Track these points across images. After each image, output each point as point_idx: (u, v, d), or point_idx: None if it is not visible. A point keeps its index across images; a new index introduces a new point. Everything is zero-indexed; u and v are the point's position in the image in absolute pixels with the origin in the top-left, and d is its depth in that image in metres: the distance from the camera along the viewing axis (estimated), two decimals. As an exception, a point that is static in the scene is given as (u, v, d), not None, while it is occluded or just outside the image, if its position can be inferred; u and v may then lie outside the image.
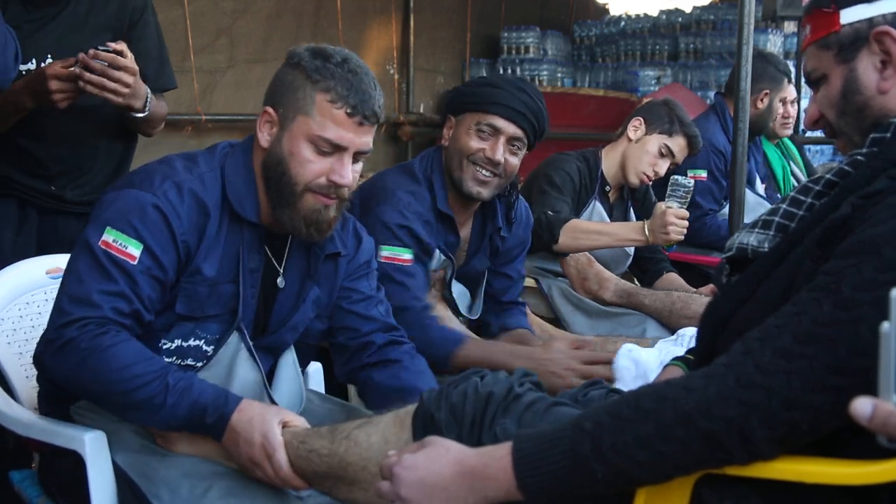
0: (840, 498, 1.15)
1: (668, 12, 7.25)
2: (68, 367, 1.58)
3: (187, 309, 1.70)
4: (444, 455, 1.29)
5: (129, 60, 2.27)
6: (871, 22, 1.32)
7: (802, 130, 5.83)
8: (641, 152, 3.06)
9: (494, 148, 2.33)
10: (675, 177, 2.83)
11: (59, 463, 1.75)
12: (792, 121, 4.19)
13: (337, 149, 1.69)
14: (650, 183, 3.16)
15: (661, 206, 2.78)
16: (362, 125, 1.69)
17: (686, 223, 2.79)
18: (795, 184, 4.19)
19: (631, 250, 3.21)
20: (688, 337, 2.36)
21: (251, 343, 1.77)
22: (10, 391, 1.94)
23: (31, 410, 1.87)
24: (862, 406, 1.00)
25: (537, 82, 6.85)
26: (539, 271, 3.11)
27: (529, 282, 3.02)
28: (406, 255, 2.28)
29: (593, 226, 2.90)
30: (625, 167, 3.10)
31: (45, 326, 1.83)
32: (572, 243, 2.82)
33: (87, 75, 2.22)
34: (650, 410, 1.17)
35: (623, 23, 7.40)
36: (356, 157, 1.72)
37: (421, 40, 6.79)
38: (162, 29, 2.62)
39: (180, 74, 5.38)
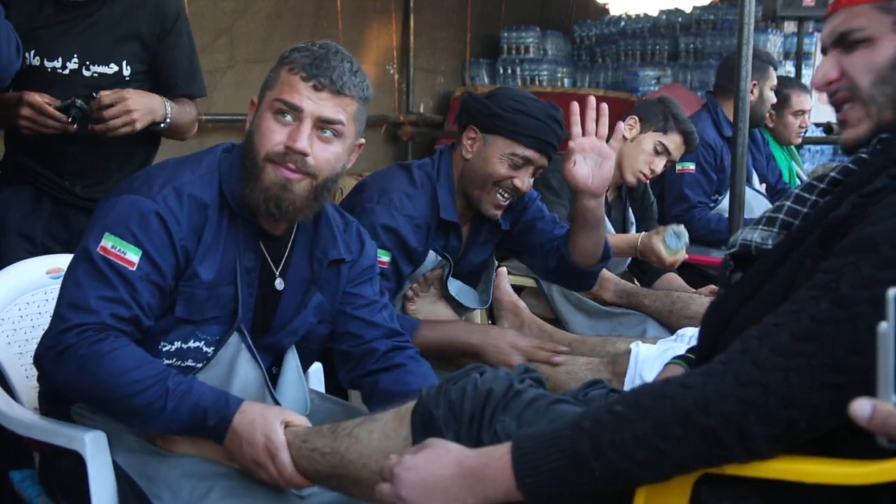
0: (840, 498, 1.15)
1: (668, 12, 7.25)
2: (67, 372, 1.58)
3: (186, 312, 1.70)
4: (444, 456, 1.29)
5: (119, 107, 2.34)
6: None
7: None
8: (637, 151, 3.06)
9: (523, 178, 2.35)
10: (678, 228, 2.81)
11: (59, 463, 1.75)
12: (804, 131, 4.26)
13: (294, 112, 1.67)
14: (647, 181, 3.16)
15: (657, 244, 2.80)
16: (318, 90, 1.67)
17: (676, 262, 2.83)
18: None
19: (631, 250, 3.21)
20: (687, 337, 2.36)
21: (251, 343, 1.76)
22: (10, 391, 1.94)
23: (31, 410, 1.87)
24: (861, 407, 1.00)
25: (537, 82, 6.85)
26: (539, 271, 3.11)
27: (529, 282, 3.02)
28: (384, 258, 2.28)
29: None
30: (621, 166, 3.10)
31: (45, 326, 1.83)
32: None
33: (73, 127, 2.33)
34: (649, 409, 1.17)
35: (623, 23, 7.40)
36: (323, 128, 1.69)
37: (421, 40, 6.78)
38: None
39: (180, 74, 5.41)
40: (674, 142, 3.07)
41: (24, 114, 2.34)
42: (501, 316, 2.71)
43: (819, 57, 5.24)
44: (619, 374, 2.23)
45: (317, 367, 2.08)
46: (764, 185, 4.14)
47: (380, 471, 1.38)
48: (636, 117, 3.09)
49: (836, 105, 1.39)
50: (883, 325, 0.97)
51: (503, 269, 2.79)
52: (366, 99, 1.74)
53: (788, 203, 1.40)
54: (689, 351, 1.75)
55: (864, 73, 1.32)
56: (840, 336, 1.11)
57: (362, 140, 1.80)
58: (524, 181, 2.36)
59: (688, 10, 7.14)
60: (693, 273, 3.66)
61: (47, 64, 2.49)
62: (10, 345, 1.99)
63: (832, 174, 1.36)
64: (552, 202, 2.92)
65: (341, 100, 1.69)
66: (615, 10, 8.19)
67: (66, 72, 2.48)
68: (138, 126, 2.39)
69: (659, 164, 3.07)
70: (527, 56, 7.01)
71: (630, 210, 3.25)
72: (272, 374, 1.86)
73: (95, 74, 2.48)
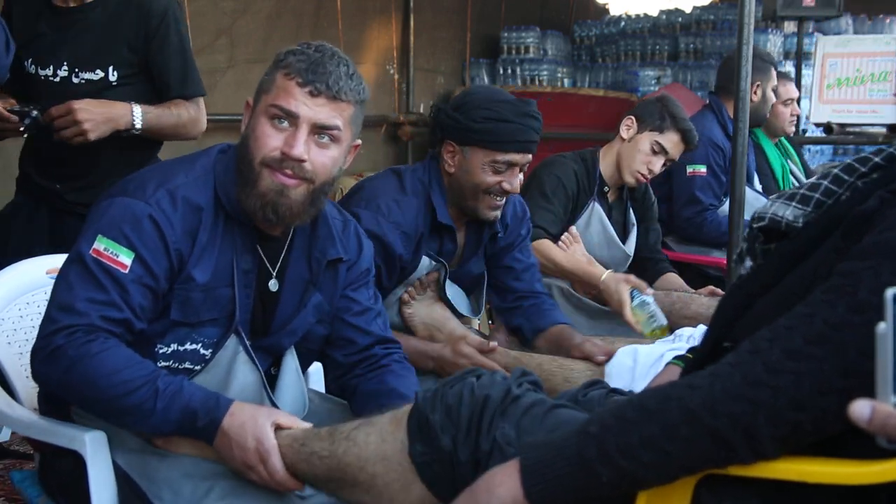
0: (839, 499, 1.15)
1: (668, 12, 7.25)
2: (58, 373, 1.58)
3: (182, 315, 1.69)
4: None
5: (66, 119, 2.36)
6: None
7: (803, 130, 5.84)
8: (634, 151, 3.06)
9: (511, 179, 2.35)
10: (645, 299, 2.75)
11: (59, 463, 1.75)
12: (795, 119, 4.24)
13: (290, 118, 1.66)
14: (646, 181, 3.15)
15: (626, 306, 2.73)
16: (315, 96, 1.66)
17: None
18: (795, 183, 4.21)
19: (631, 251, 3.21)
20: (686, 337, 2.36)
21: (249, 345, 1.76)
22: (10, 391, 1.94)
23: (31, 410, 1.87)
24: (861, 408, 1.00)
25: (537, 82, 6.85)
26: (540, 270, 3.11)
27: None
28: None
29: (557, 256, 2.88)
30: (620, 167, 3.10)
31: (45, 327, 1.84)
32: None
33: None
34: (655, 410, 1.16)
35: (623, 23, 7.40)
36: (320, 134, 1.68)
37: (421, 40, 6.79)
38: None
39: (180, 74, 5.41)
40: (671, 140, 3.05)
41: None
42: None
43: (819, 57, 5.25)
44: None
45: (316, 367, 2.08)
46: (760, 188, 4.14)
47: (377, 474, 1.38)
48: (633, 117, 3.09)
49: None
50: (881, 326, 0.97)
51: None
52: (362, 102, 1.73)
53: (826, 183, 1.35)
54: (689, 351, 1.74)
55: None
56: (853, 341, 1.09)
57: (359, 141, 1.79)
58: (513, 182, 2.35)
59: (688, 10, 7.14)
60: (693, 273, 3.67)
61: (41, 72, 2.51)
62: (10, 345, 1.99)
63: (876, 159, 1.31)
64: (542, 209, 2.92)
65: (338, 105, 1.68)
66: (615, 10, 8.19)
67: (58, 80, 2.50)
68: (91, 136, 2.39)
69: (657, 164, 3.07)
70: (527, 56, 7.02)
71: (631, 210, 3.25)
72: (271, 375, 1.86)
73: (83, 81, 2.49)
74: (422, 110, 6.83)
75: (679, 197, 3.80)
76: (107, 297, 1.61)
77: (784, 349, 1.13)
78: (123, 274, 1.62)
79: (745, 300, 1.33)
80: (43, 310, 2.01)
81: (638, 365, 2.23)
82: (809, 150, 6.29)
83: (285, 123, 1.67)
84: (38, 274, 2.07)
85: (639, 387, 2.03)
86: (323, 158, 1.69)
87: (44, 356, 1.59)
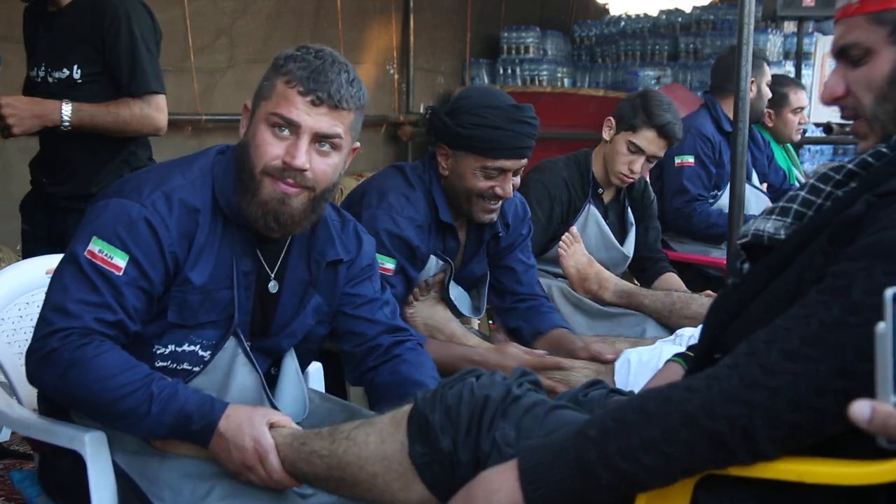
0: (837, 499, 1.15)
1: (668, 12, 7.25)
2: (53, 376, 1.58)
3: (179, 317, 1.69)
4: None
5: None
6: None
7: (803, 130, 5.84)
8: (614, 152, 3.04)
9: (504, 185, 2.33)
10: None
11: (59, 463, 1.75)
12: (803, 127, 4.26)
13: (291, 127, 1.66)
14: (632, 181, 3.11)
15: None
16: (316, 105, 1.65)
17: None
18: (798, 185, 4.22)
19: (630, 251, 3.21)
20: (686, 337, 2.36)
21: (248, 347, 1.76)
22: (10, 391, 1.94)
23: (31, 410, 1.87)
24: (860, 409, 1.00)
25: (537, 82, 6.85)
26: (539, 271, 3.10)
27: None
28: (389, 265, 2.27)
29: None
30: (606, 169, 3.09)
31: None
32: None
33: None
34: (655, 413, 1.17)
35: (623, 23, 7.40)
36: (321, 142, 1.68)
37: (421, 40, 6.79)
38: (152, 30, 2.71)
39: (180, 74, 5.42)
40: (645, 138, 2.99)
41: None
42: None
43: (819, 57, 5.25)
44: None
45: (317, 367, 2.08)
46: (765, 185, 4.14)
47: (378, 474, 1.38)
48: (612, 118, 3.07)
49: (847, 118, 1.36)
50: (881, 326, 0.97)
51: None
52: (362, 107, 1.73)
53: (803, 193, 1.36)
54: (688, 349, 1.74)
55: (865, 90, 1.27)
56: (850, 342, 1.10)
57: (357, 144, 1.79)
58: (505, 188, 2.34)
59: (688, 10, 7.14)
60: (693, 273, 3.67)
61: (31, 74, 2.71)
62: (10, 345, 1.99)
63: (849, 166, 1.32)
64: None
65: (339, 114, 1.67)
66: (615, 10, 8.20)
67: (39, 80, 2.67)
68: (16, 131, 2.57)
69: (637, 164, 3.01)
70: (527, 56, 7.01)
71: (629, 210, 3.24)
72: (271, 376, 1.86)
73: (55, 80, 2.64)
74: (422, 110, 6.83)
75: (668, 188, 3.79)
76: (101, 300, 1.60)
77: (781, 350, 1.13)
78: (118, 276, 1.61)
79: (735, 307, 1.34)
80: (43, 310, 2.02)
81: (640, 364, 2.23)
82: (809, 149, 6.30)
83: (286, 132, 1.66)
84: (37, 274, 2.07)
85: (640, 386, 2.03)
86: (324, 166, 1.69)
87: (38, 358, 1.59)
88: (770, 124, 4.21)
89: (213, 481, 1.60)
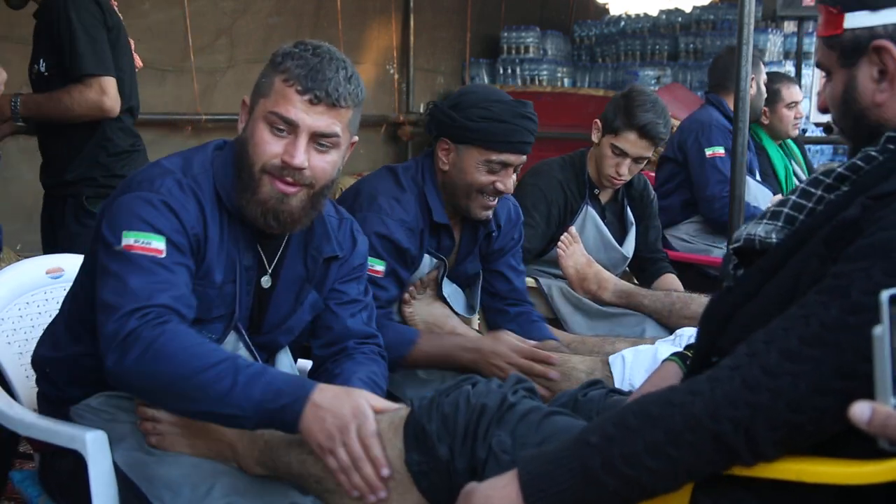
0: (836, 499, 1.15)
1: (668, 12, 7.26)
2: (133, 357, 1.51)
3: (198, 311, 1.67)
4: None
5: None
6: (871, 32, 1.28)
7: (803, 130, 5.85)
8: (601, 155, 3.03)
9: (505, 180, 2.34)
10: None
11: (59, 463, 1.75)
12: (800, 121, 4.24)
13: (290, 126, 1.65)
14: (621, 183, 3.09)
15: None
16: (314, 104, 1.65)
17: None
18: (798, 183, 4.20)
19: (629, 251, 3.20)
20: (686, 337, 2.36)
21: (249, 340, 1.76)
22: (10, 391, 1.94)
23: (31, 410, 1.87)
24: (860, 410, 1.00)
25: (537, 82, 6.86)
26: (539, 271, 3.10)
27: (529, 281, 3.02)
28: (379, 267, 2.27)
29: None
30: (598, 171, 3.09)
31: (45, 326, 1.83)
32: None
33: None
34: (657, 417, 1.17)
35: (623, 23, 7.41)
36: (319, 141, 1.68)
37: (421, 40, 6.80)
38: (97, 14, 2.76)
39: (180, 74, 5.43)
40: (627, 141, 2.95)
41: None
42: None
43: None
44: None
45: (309, 365, 2.08)
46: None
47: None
48: (598, 120, 3.06)
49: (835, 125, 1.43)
50: (878, 329, 0.97)
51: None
52: (360, 103, 1.73)
53: (794, 197, 1.38)
54: (685, 347, 1.74)
55: (832, 105, 1.37)
56: (849, 342, 1.10)
57: (356, 138, 1.79)
58: (506, 183, 2.35)
59: (688, 10, 7.15)
60: (693, 273, 3.67)
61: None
62: (10, 345, 2.00)
63: (839, 169, 1.34)
64: (524, 224, 2.91)
65: (337, 112, 1.67)
66: (615, 10, 8.21)
67: (33, 75, 2.80)
68: None
69: (623, 167, 2.98)
70: (527, 56, 7.02)
71: (629, 210, 3.24)
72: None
73: (35, 75, 2.78)
74: (422, 110, 6.84)
75: (706, 179, 3.76)
76: (160, 279, 1.58)
77: (781, 351, 1.13)
78: (162, 259, 1.60)
79: (728, 310, 1.34)
80: (43, 310, 2.02)
81: (635, 360, 2.23)
82: (809, 149, 6.30)
83: (284, 131, 1.66)
84: (37, 274, 2.08)
85: (636, 382, 2.03)
86: (322, 164, 1.69)
87: (118, 343, 1.52)
88: (766, 121, 4.20)
89: (212, 480, 1.60)
